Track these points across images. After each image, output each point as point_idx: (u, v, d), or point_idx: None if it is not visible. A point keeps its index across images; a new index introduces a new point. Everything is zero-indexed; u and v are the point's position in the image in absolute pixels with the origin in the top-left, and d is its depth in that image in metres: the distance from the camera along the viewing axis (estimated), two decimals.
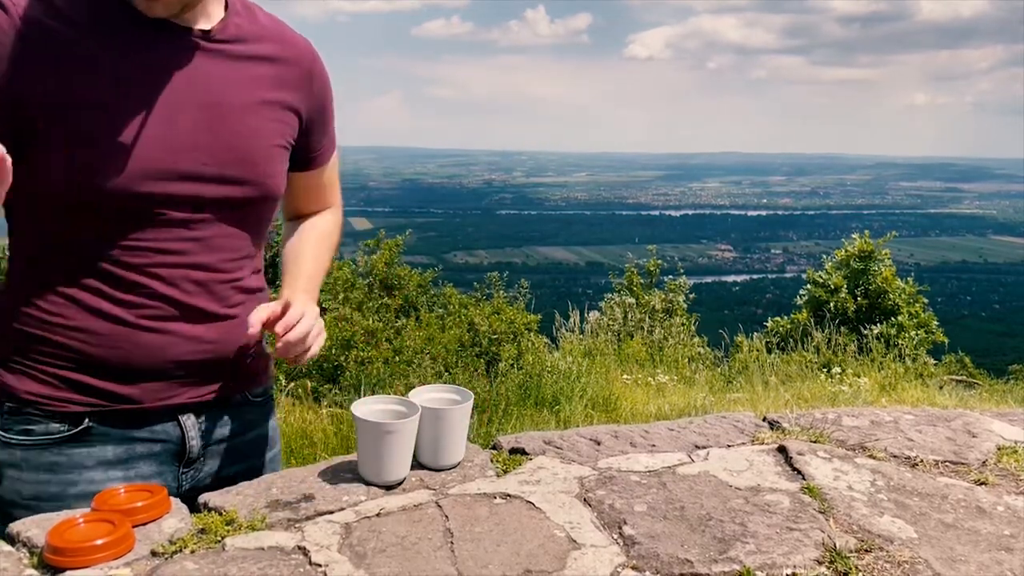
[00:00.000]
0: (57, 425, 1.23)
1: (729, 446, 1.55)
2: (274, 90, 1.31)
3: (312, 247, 1.49)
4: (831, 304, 10.37)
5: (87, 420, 1.24)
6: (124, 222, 1.19)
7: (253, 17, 1.32)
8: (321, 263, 1.50)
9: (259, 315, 1.26)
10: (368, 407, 1.31)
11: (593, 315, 8.31)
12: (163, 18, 1.19)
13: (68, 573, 1.01)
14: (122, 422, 1.26)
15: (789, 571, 1.11)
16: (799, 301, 11.25)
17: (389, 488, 1.28)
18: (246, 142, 1.26)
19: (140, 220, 1.20)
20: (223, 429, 1.37)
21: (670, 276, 10.48)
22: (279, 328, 1.26)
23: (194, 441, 1.32)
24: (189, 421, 1.31)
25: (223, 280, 1.29)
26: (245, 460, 1.41)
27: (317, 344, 1.32)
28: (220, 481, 1.36)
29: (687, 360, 7.45)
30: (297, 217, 1.54)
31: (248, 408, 1.41)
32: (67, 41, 1.14)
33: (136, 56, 1.18)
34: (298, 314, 1.28)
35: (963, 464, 1.53)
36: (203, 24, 1.24)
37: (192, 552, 1.07)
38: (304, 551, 1.09)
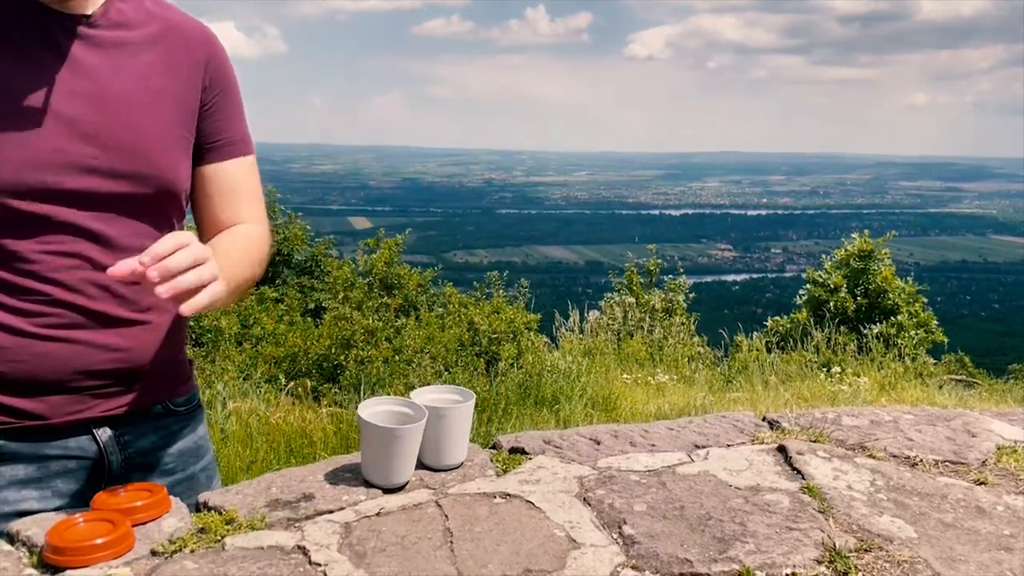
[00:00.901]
0: None
1: (729, 446, 1.55)
2: (165, 77, 1.23)
3: (229, 241, 1.31)
4: (831, 304, 10.37)
5: None
6: (14, 223, 1.12)
7: (138, 2, 1.25)
8: (243, 258, 1.29)
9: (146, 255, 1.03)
10: (372, 409, 1.31)
11: (593, 314, 8.32)
12: (41, 3, 1.13)
13: (68, 572, 1.01)
14: (31, 439, 1.19)
15: (789, 571, 1.11)
16: (799, 300, 11.25)
17: (393, 490, 1.28)
18: (137, 134, 1.18)
19: (31, 220, 1.12)
20: (144, 442, 1.30)
21: (670, 275, 10.48)
22: (145, 256, 1.02)
23: (113, 456, 1.25)
24: (105, 435, 1.24)
25: (132, 282, 1.19)
26: (172, 474, 1.34)
27: (209, 292, 1.06)
28: None
29: (687, 360, 7.46)
30: (213, 232, 1.36)
31: (172, 419, 1.34)
32: None
33: (12, 45, 1.12)
34: (174, 243, 1.04)
35: (963, 464, 1.53)
36: (82, 10, 1.17)
37: (192, 551, 1.07)
38: (304, 550, 1.09)
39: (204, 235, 1.36)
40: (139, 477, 1.28)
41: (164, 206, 1.25)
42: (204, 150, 1.32)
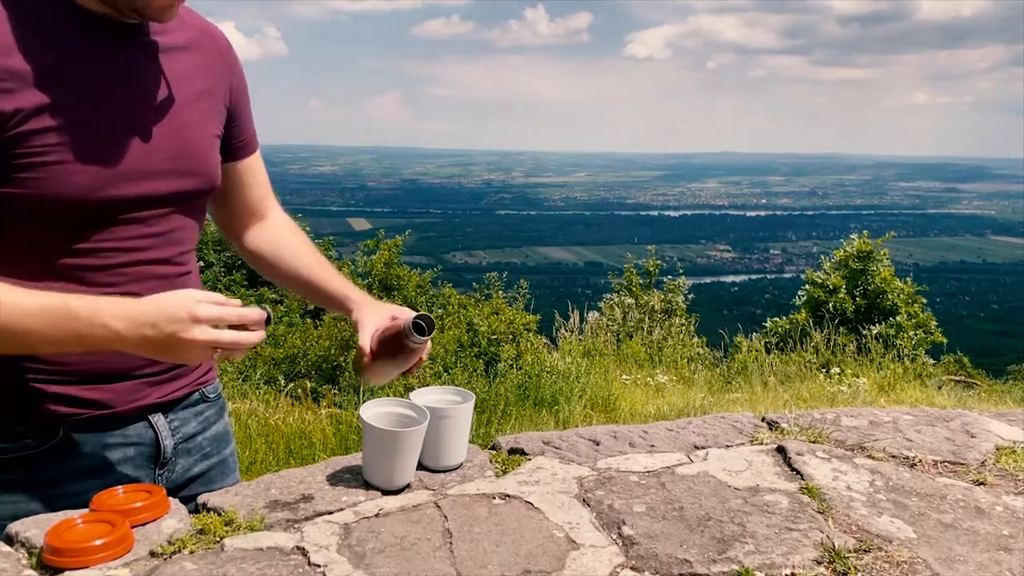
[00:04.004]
0: (30, 440, 1.20)
1: (728, 446, 1.55)
2: (203, 80, 1.29)
3: (317, 256, 1.52)
4: (830, 304, 10.37)
5: (62, 431, 1.21)
6: (87, 225, 1.16)
7: None
8: (323, 262, 1.53)
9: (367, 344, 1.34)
10: (374, 410, 1.31)
11: (592, 315, 8.32)
12: (102, 15, 1.16)
13: (67, 573, 1.01)
14: (95, 429, 1.23)
15: (788, 571, 1.11)
16: (798, 301, 11.26)
17: (394, 492, 1.28)
18: (190, 134, 1.25)
19: (104, 222, 1.17)
20: (188, 428, 1.36)
21: (669, 276, 10.48)
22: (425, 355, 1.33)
23: (167, 440, 1.31)
24: (160, 421, 1.30)
25: (180, 274, 1.28)
26: (209, 457, 1.41)
27: None
28: (191, 480, 1.37)
29: (686, 360, 7.46)
30: (247, 223, 1.50)
31: (206, 406, 1.41)
32: (30, 51, 1.10)
33: (77, 58, 1.14)
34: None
35: (962, 464, 1.53)
36: (131, 18, 1.19)
37: (191, 552, 1.07)
38: (303, 551, 1.09)
39: (236, 223, 1.50)
40: (185, 462, 1.36)
41: (206, 202, 1.34)
42: (234, 148, 1.42)
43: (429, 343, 1.33)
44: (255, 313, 1.14)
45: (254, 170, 1.48)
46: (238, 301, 1.19)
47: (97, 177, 1.14)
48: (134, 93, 1.18)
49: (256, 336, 1.15)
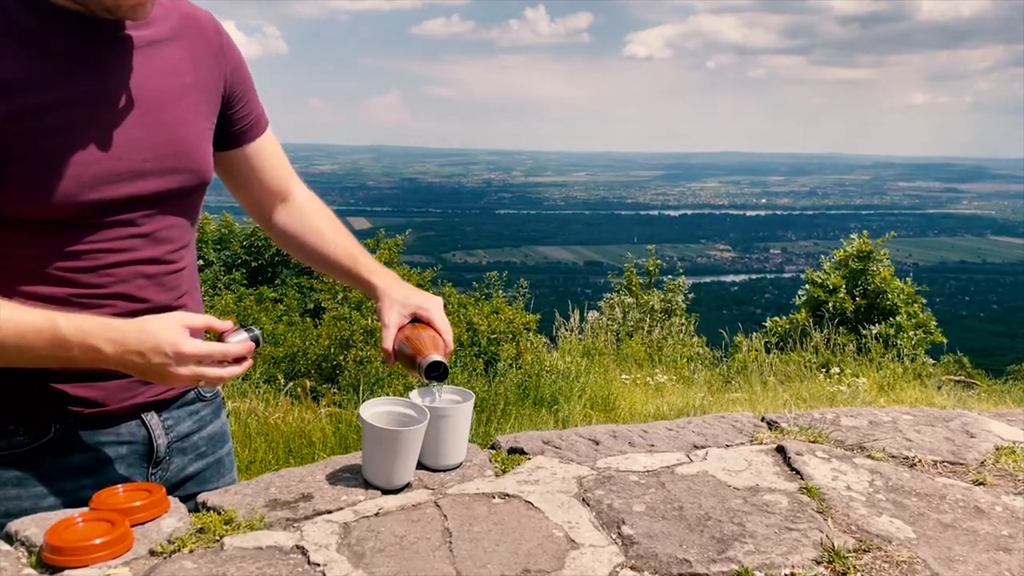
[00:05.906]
0: (22, 438, 1.20)
1: (728, 446, 1.55)
2: (192, 72, 1.27)
3: (334, 237, 1.50)
4: (830, 304, 10.38)
5: (53, 429, 1.21)
6: (73, 229, 1.16)
7: None
8: (349, 239, 1.52)
9: (389, 344, 1.34)
10: (373, 410, 1.31)
11: (592, 315, 8.32)
12: (80, 14, 1.13)
13: (66, 572, 1.01)
14: (88, 427, 1.24)
15: (787, 571, 1.11)
16: (798, 301, 11.26)
17: (394, 491, 1.28)
18: (177, 131, 1.23)
19: (89, 224, 1.17)
20: (182, 427, 1.36)
21: (669, 276, 10.49)
22: (447, 354, 1.30)
23: (160, 439, 1.31)
24: (153, 420, 1.30)
25: (170, 271, 1.28)
26: (204, 457, 1.41)
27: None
28: (187, 480, 1.37)
29: (686, 360, 7.46)
30: (271, 205, 1.49)
31: (201, 405, 1.41)
32: (9, 55, 1.08)
33: (59, 58, 1.12)
34: (447, 325, 1.36)
35: (961, 464, 1.53)
36: (105, 16, 1.16)
37: (191, 551, 1.07)
38: (303, 551, 1.09)
39: (259, 206, 1.49)
40: (179, 461, 1.36)
41: (197, 197, 1.32)
42: (240, 132, 1.39)
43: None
44: (240, 348, 1.17)
45: (268, 151, 1.45)
46: (230, 323, 1.20)
47: (79, 181, 1.12)
48: (115, 93, 1.16)
49: (240, 368, 1.18)
